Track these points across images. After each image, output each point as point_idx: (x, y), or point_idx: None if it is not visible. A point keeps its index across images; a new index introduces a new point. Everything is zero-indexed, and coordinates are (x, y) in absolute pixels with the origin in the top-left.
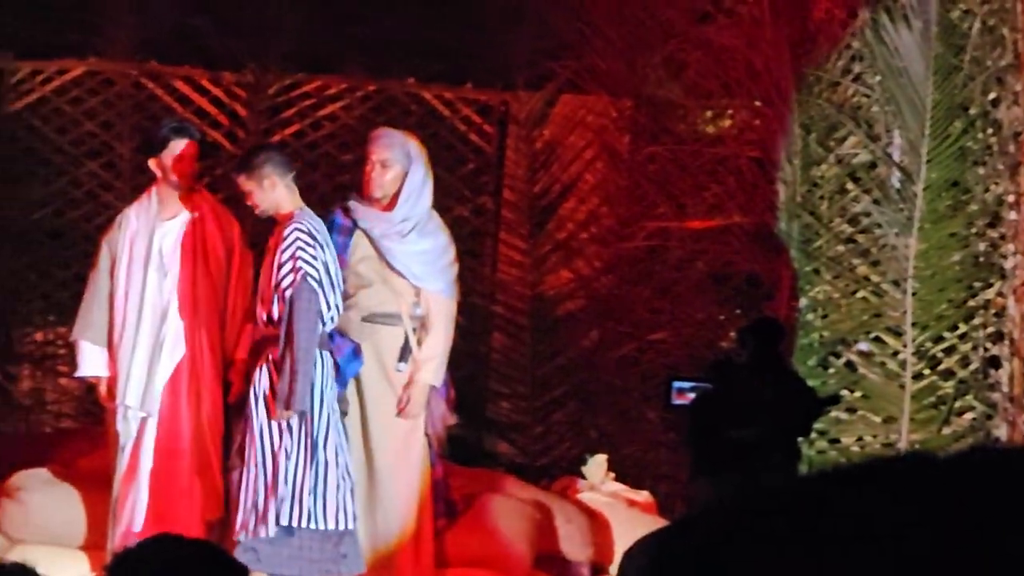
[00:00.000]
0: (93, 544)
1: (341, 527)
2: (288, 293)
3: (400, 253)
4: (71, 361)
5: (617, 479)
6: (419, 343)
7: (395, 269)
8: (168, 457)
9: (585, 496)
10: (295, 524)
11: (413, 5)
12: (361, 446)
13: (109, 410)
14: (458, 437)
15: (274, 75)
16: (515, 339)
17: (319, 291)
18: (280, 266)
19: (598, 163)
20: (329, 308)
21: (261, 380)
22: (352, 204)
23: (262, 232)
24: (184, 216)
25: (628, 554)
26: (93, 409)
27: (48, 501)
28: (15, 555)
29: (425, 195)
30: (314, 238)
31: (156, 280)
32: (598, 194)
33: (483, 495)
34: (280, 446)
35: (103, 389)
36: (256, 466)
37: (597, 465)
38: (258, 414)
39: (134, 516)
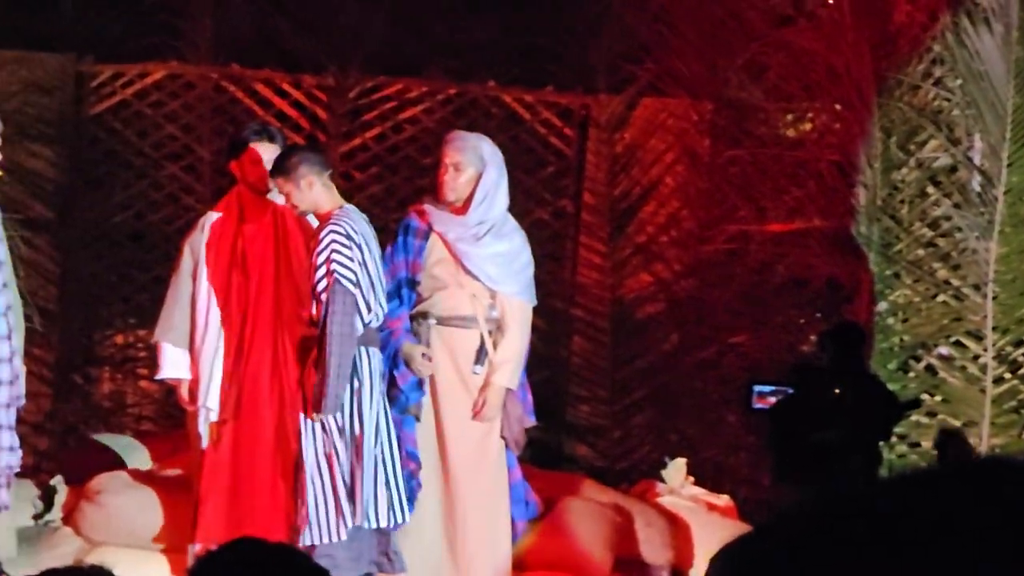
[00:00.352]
0: (174, 547)
1: (392, 524)
2: (323, 296)
3: (475, 256)
4: (151, 364)
5: (697, 483)
6: (495, 346)
7: (470, 272)
8: (250, 460)
9: (665, 500)
10: (357, 524)
11: (494, 8)
12: (435, 450)
13: (190, 413)
14: (538, 440)
15: (355, 78)
16: (595, 342)
17: (355, 292)
18: (316, 269)
19: (678, 166)
20: (370, 309)
21: (310, 382)
22: (427, 207)
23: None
24: (266, 218)
25: (712, 560)
26: (174, 412)
27: (128, 504)
28: (94, 558)
29: (499, 198)
30: (350, 238)
31: (238, 282)
32: (678, 197)
33: (563, 498)
34: (331, 447)
35: (184, 392)
36: (309, 469)
37: (677, 469)
38: (307, 417)
39: (216, 519)
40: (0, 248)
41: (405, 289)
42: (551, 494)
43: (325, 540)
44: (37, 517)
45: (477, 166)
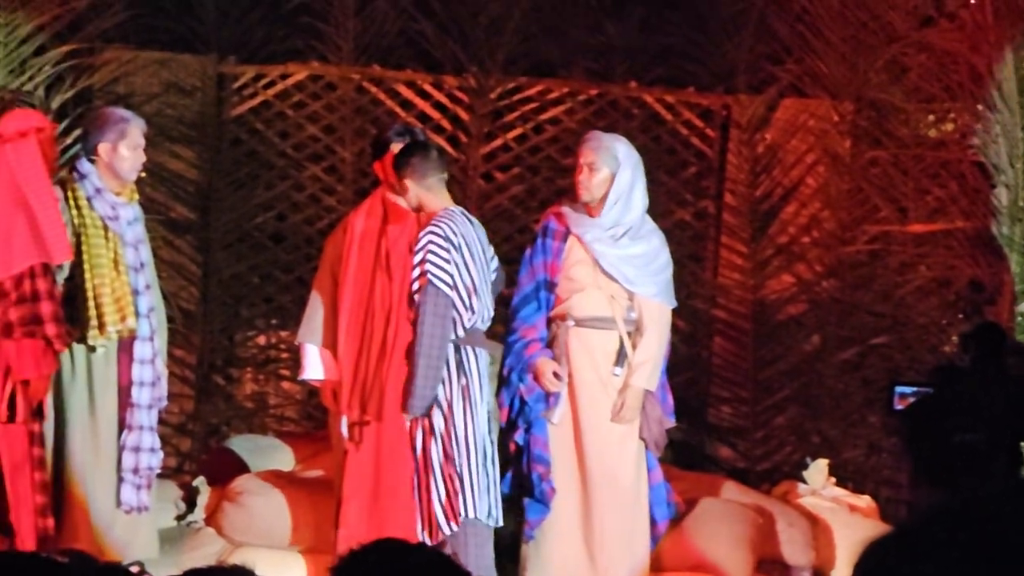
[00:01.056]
0: (315, 548)
1: (492, 523)
2: (417, 297)
3: (612, 257)
4: (293, 365)
5: (838, 484)
6: (633, 347)
7: (607, 273)
8: (392, 461)
9: (806, 501)
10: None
11: (635, 9)
12: (572, 452)
13: (333, 414)
14: (680, 442)
15: (496, 79)
16: (736, 343)
17: (450, 294)
18: (413, 269)
19: (819, 167)
20: (473, 311)
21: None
22: (564, 209)
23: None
24: (410, 219)
25: (856, 563)
26: (315, 413)
27: (270, 505)
28: (236, 558)
29: (635, 199)
30: (448, 240)
31: (382, 283)
32: (819, 198)
33: (704, 499)
34: (436, 445)
35: (328, 393)
36: (417, 465)
37: (818, 470)
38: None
39: (358, 520)
40: (144, 250)
41: (543, 291)
42: (693, 495)
43: (432, 539)
44: (180, 518)
45: (612, 166)
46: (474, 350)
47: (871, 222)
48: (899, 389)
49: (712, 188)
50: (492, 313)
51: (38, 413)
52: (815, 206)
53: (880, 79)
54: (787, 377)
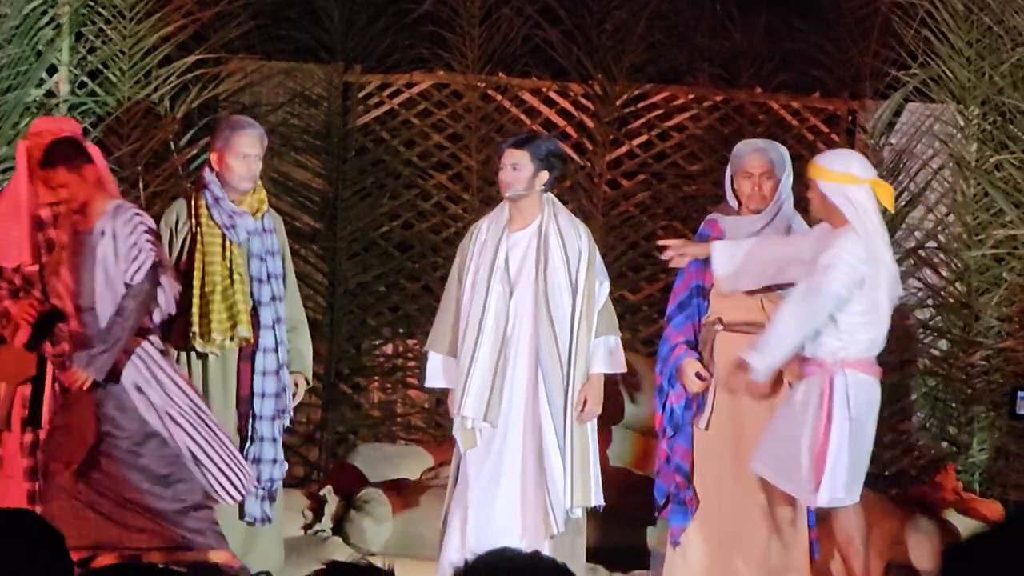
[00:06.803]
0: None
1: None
2: None
3: None
4: (420, 373)
5: (966, 488)
6: None
7: None
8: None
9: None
10: None
11: (761, 15)
12: (725, 458)
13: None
14: None
15: (621, 86)
16: None
17: None
18: None
19: (945, 171)
20: None
21: None
22: (717, 216)
23: None
24: (533, 227)
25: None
26: (442, 421)
27: (396, 513)
28: None
29: (789, 200)
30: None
31: (499, 291)
32: (945, 202)
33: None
34: None
35: (452, 400)
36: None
37: (946, 474)
38: None
39: (466, 528)
40: (273, 262)
41: (697, 298)
42: None
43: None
44: (307, 527)
45: (779, 171)
46: None
47: (997, 226)
48: (1021, 393)
49: None
50: None
51: (30, 422)
52: (941, 211)
53: (1006, 83)
54: (914, 381)
